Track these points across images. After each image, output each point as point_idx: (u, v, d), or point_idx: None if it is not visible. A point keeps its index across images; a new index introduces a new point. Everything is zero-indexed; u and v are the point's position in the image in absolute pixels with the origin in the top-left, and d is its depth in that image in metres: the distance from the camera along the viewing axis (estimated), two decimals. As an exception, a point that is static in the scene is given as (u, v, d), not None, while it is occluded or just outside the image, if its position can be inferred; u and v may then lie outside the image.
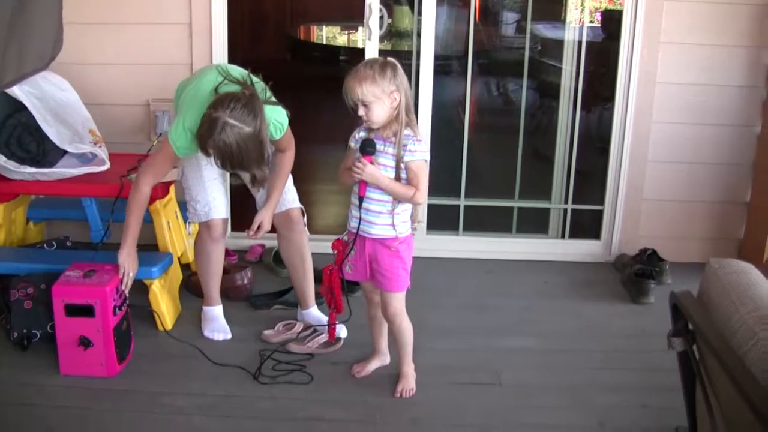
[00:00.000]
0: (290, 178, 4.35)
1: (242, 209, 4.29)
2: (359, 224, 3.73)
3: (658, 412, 3.82)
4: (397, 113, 3.56)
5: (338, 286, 3.92)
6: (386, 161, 3.62)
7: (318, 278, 4.56)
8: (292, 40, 9.59)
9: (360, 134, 3.70)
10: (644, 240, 5.44)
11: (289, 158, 4.27)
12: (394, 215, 3.68)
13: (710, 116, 5.33)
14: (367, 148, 3.61)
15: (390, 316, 3.89)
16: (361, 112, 3.55)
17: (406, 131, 3.57)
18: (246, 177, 3.95)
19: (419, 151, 3.58)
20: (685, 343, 2.46)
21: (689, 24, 5.17)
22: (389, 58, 3.61)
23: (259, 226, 4.23)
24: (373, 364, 4.14)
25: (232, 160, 3.74)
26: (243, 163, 3.78)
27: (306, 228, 4.45)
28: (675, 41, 5.19)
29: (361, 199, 3.67)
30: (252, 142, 3.73)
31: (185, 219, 4.96)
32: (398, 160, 3.59)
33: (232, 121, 3.65)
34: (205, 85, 3.93)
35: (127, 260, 4.04)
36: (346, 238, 3.84)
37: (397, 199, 3.64)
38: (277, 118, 4.00)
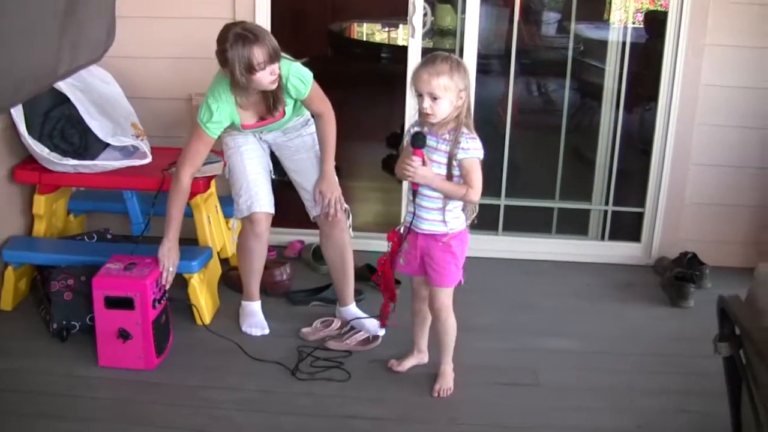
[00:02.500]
0: (335, 177, 4.35)
1: (283, 205, 4.29)
2: (412, 219, 3.74)
3: (697, 416, 3.79)
4: (459, 112, 3.56)
5: (391, 276, 3.92)
6: (439, 158, 3.62)
7: (360, 275, 4.58)
8: (334, 35, 9.62)
9: (413, 129, 3.69)
10: (685, 243, 5.38)
11: (329, 121, 4.26)
12: (445, 212, 3.68)
13: (754, 119, 5.26)
14: (417, 142, 3.60)
15: (436, 310, 3.88)
16: (426, 104, 3.52)
17: (463, 130, 3.57)
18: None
19: (472, 149, 3.57)
20: (731, 348, 2.43)
21: (734, 26, 5.11)
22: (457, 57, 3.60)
23: (322, 196, 4.26)
24: (410, 361, 4.14)
25: (250, 51, 3.77)
26: (261, 53, 3.79)
27: (350, 228, 4.44)
28: (720, 43, 5.13)
29: (414, 193, 3.67)
30: (266, 42, 3.80)
31: (225, 214, 4.98)
32: (451, 157, 3.58)
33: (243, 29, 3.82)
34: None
35: (168, 255, 4.05)
36: (402, 230, 3.83)
37: (450, 198, 3.64)
38: (297, 69, 4.03)
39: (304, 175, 4.36)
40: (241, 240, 4.41)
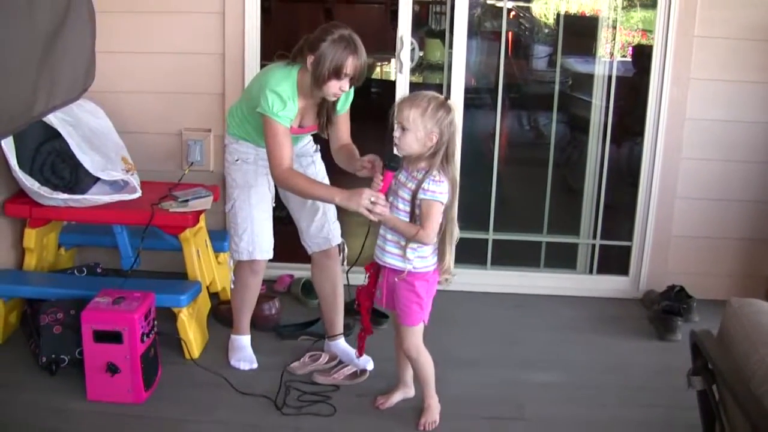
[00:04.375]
0: (335, 211, 4.38)
1: (274, 239, 4.31)
2: (376, 250, 3.80)
3: (682, 450, 3.81)
4: (432, 153, 3.57)
5: (365, 308, 3.95)
6: (404, 195, 3.65)
7: (349, 310, 4.60)
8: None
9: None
10: (672, 276, 5.41)
11: (349, 147, 4.23)
12: (406, 248, 3.68)
13: (739, 153, 5.31)
14: (391, 163, 3.67)
15: (405, 350, 3.91)
16: (397, 133, 3.58)
17: (433, 172, 3.58)
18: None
19: (434, 192, 3.57)
20: (704, 383, 2.46)
21: (719, 60, 5.17)
22: (450, 102, 3.61)
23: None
24: (397, 396, 4.14)
25: (347, 57, 3.81)
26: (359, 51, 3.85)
27: (344, 262, 4.47)
28: (705, 77, 5.19)
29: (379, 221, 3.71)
30: (362, 61, 3.87)
31: (215, 248, 5.00)
32: (414, 195, 3.61)
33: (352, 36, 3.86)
34: (275, 67, 4.05)
35: (361, 195, 3.73)
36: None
37: (402, 235, 3.67)
38: None
39: (307, 212, 4.36)
40: (237, 275, 4.41)
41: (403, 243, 3.69)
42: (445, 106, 3.57)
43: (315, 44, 3.84)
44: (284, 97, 3.87)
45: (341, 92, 3.92)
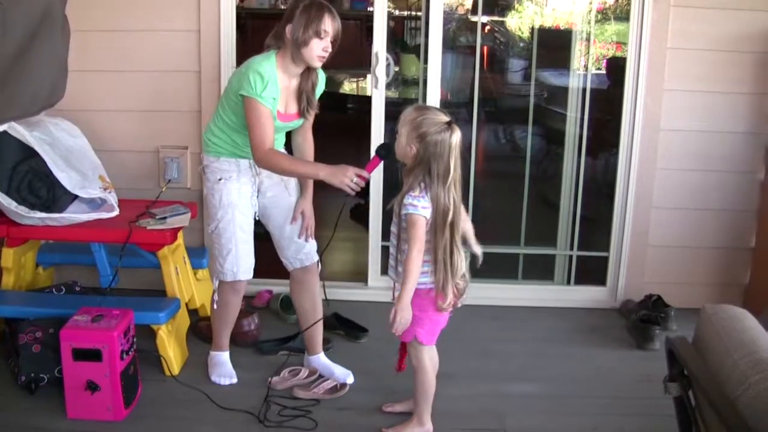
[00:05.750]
0: (313, 228, 4.41)
1: (256, 256, 4.32)
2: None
3: (661, 457, 3.83)
4: (413, 168, 3.60)
5: None
6: (396, 209, 3.69)
7: (328, 325, 4.61)
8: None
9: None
10: (650, 286, 5.46)
11: (311, 142, 4.38)
12: (400, 261, 3.71)
13: (714, 163, 5.37)
14: (381, 150, 3.76)
15: (413, 365, 3.92)
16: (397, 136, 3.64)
17: (414, 186, 3.58)
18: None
19: (414, 206, 3.57)
20: (680, 389, 2.48)
21: (692, 72, 5.23)
22: (453, 125, 3.56)
23: (303, 216, 4.32)
24: (402, 407, 4.16)
25: (323, 16, 3.92)
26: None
27: (322, 276, 4.50)
28: (678, 89, 5.25)
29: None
30: (337, 21, 4.00)
31: (193, 265, 5.00)
32: (400, 209, 3.64)
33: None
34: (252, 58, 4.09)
35: (344, 172, 3.83)
36: None
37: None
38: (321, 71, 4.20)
39: (287, 230, 4.36)
40: (219, 294, 4.41)
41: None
42: (439, 124, 3.54)
43: (290, 15, 3.95)
44: (265, 76, 3.91)
45: (325, 54, 3.98)
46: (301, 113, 4.20)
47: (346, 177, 3.75)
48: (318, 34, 3.90)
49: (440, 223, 3.59)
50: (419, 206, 3.56)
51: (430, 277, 3.70)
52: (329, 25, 3.91)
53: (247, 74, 3.92)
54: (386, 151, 3.82)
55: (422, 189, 3.57)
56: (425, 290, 3.72)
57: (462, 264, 3.71)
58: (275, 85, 3.96)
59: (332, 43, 3.97)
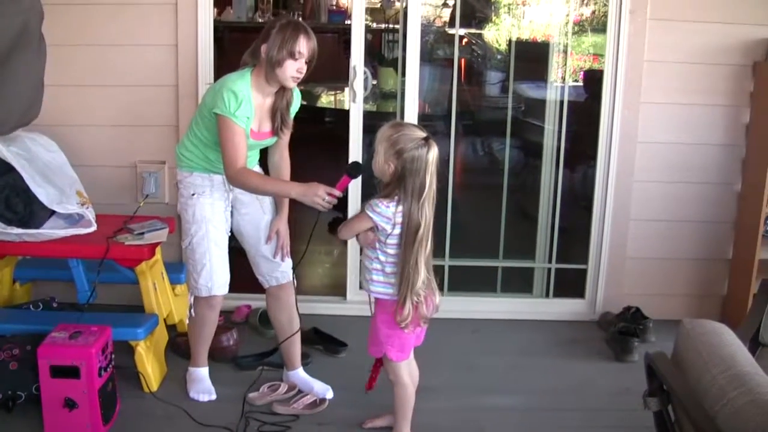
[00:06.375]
0: (288, 246, 4.39)
1: (231, 271, 4.31)
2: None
3: (641, 470, 3.83)
4: (391, 182, 3.60)
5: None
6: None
7: (307, 339, 4.60)
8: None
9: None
10: (628, 298, 5.47)
11: (288, 161, 4.38)
12: (371, 270, 3.75)
13: (691, 174, 5.40)
14: (350, 169, 3.79)
15: (389, 379, 3.93)
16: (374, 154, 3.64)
17: (388, 199, 3.60)
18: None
19: (371, 206, 3.60)
20: (660, 404, 2.49)
21: (669, 84, 5.26)
22: (430, 141, 3.58)
23: (278, 236, 4.33)
24: (383, 421, 4.15)
25: (298, 37, 3.89)
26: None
27: (296, 291, 4.48)
28: (655, 101, 5.28)
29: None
30: (313, 41, 3.97)
31: (171, 280, 4.98)
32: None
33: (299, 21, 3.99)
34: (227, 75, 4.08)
35: (313, 190, 3.86)
36: None
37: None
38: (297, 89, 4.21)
39: (262, 249, 4.36)
40: (195, 310, 4.38)
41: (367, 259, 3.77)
42: (415, 140, 3.54)
43: (265, 35, 3.94)
44: (239, 95, 3.90)
45: (299, 75, 3.97)
46: (275, 132, 4.19)
47: (317, 196, 3.76)
48: (292, 55, 3.89)
49: (410, 239, 3.60)
50: (377, 211, 3.59)
51: (394, 288, 3.71)
52: (304, 46, 3.90)
53: (222, 92, 3.90)
54: (355, 170, 3.85)
55: (393, 200, 3.59)
56: (390, 302, 3.73)
57: (419, 282, 3.68)
58: (249, 104, 3.95)
59: (307, 63, 3.96)
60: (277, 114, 4.14)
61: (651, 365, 2.50)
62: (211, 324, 4.42)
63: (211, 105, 3.97)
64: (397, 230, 3.61)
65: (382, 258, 3.69)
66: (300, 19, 4.00)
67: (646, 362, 2.55)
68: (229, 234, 4.32)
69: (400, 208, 3.58)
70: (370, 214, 3.60)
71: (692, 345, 2.44)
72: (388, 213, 3.58)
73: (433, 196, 3.63)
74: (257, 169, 4.35)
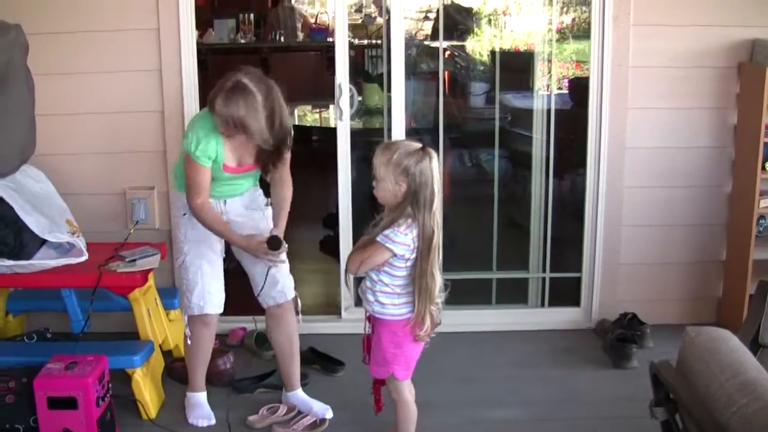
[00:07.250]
0: (287, 265, 4.37)
1: (228, 292, 4.30)
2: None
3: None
4: (400, 203, 3.58)
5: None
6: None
7: (304, 359, 4.58)
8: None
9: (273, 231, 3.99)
10: (624, 304, 5.46)
11: (290, 189, 4.34)
12: (375, 292, 3.71)
13: (681, 178, 5.40)
14: (270, 243, 3.97)
15: (392, 398, 3.91)
16: (374, 183, 3.60)
17: (399, 221, 3.57)
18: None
19: (387, 237, 3.56)
20: (667, 413, 2.47)
21: (655, 89, 5.27)
22: (427, 149, 3.58)
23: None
24: None
25: (238, 112, 3.81)
26: (248, 121, 3.83)
27: (299, 313, 4.47)
28: (642, 106, 5.28)
29: None
30: (262, 105, 3.84)
31: (165, 306, 4.96)
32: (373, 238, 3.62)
33: (245, 80, 3.83)
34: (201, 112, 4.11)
35: (254, 244, 4.08)
36: None
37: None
38: None
39: (260, 268, 4.30)
40: (190, 330, 4.36)
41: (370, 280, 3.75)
42: (415, 153, 3.54)
43: (211, 105, 3.88)
44: (201, 135, 3.93)
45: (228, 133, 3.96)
46: (264, 172, 4.21)
47: (258, 251, 3.96)
48: (245, 131, 3.89)
49: (425, 250, 3.58)
50: (396, 241, 3.56)
51: (408, 307, 3.69)
52: (251, 123, 3.86)
53: (187, 131, 4.00)
54: (274, 244, 4.00)
55: (408, 225, 3.56)
56: (403, 321, 3.71)
57: (437, 290, 3.70)
58: (213, 143, 3.96)
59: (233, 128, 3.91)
60: (262, 153, 4.11)
61: (657, 374, 2.49)
62: (207, 344, 4.40)
63: (183, 140, 4.03)
64: (415, 253, 3.60)
65: (386, 280, 3.68)
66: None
67: (652, 371, 2.54)
68: (224, 255, 4.30)
69: (416, 231, 3.56)
70: (390, 246, 3.56)
71: (698, 353, 2.42)
72: (407, 241, 3.56)
73: (440, 200, 3.63)
74: (256, 190, 4.38)
